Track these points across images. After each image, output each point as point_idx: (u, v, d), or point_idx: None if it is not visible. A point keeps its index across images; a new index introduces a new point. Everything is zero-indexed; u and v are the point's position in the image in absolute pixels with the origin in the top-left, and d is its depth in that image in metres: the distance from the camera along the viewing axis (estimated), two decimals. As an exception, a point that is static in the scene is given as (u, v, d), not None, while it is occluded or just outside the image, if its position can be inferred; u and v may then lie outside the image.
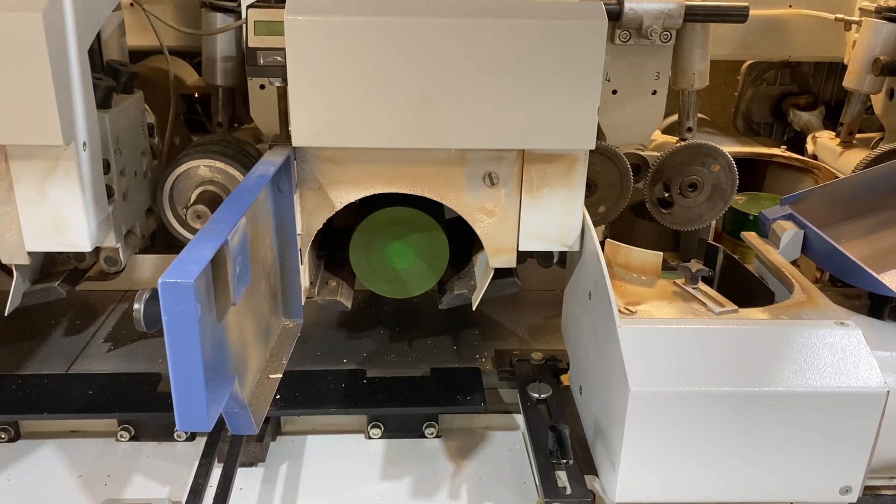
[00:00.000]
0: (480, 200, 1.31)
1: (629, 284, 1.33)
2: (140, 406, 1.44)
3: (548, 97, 1.20)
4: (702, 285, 1.29)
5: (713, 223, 1.72)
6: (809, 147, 1.98)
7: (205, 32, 1.65)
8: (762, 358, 1.11)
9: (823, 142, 1.93)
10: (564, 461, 1.22)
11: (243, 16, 1.60)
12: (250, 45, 1.29)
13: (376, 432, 1.47)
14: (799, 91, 2.19)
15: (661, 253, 1.33)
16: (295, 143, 1.22)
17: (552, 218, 1.32)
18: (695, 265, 1.30)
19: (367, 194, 1.31)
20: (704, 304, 1.23)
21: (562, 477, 1.23)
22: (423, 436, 1.47)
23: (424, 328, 1.74)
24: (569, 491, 1.20)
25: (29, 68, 1.11)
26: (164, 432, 1.45)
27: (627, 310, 1.19)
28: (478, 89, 1.19)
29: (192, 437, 1.45)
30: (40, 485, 1.35)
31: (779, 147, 1.98)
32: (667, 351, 1.10)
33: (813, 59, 2.05)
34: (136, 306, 0.90)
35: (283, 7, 1.17)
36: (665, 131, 1.91)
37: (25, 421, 1.45)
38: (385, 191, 1.31)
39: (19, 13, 1.09)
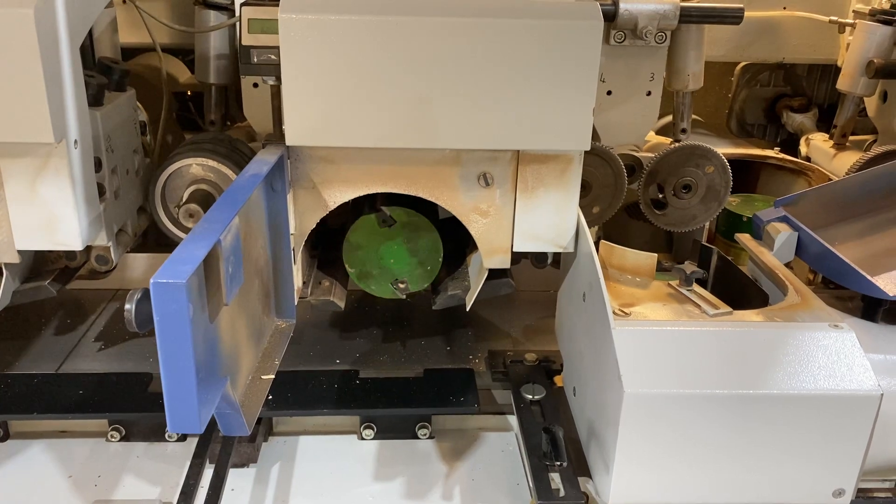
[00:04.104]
0: (475, 201, 1.31)
1: (623, 286, 1.33)
2: (131, 406, 1.43)
3: (543, 97, 1.20)
4: (696, 287, 1.29)
5: (707, 224, 1.72)
6: (803, 149, 1.98)
7: (198, 30, 1.64)
8: (756, 360, 1.10)
9: (817, 144, 1.93)
10: (559, 463, 1.22)
11: (237, 13, 1.60)
12: (244, 42, 1.28)
13: (369, 433, 1.46)
14: (793, 93, 2.19)
15: (656, 255, 1.33)
16: (289, 142, 1.21)
17: (547, 219, 1.31)
18: (689, 267, 1.30)
19: (362, 194, 1.30)
20: (699, 306, 1.23)
21: (555, 479, 1.22)
22: (415, 437, 1.47)
23: (417, 329, 1.73)
24: (562, 493, 1.20)
25: (20, 65, 1.10)
26: (155, 432, 1.44)
27: (622, 311, 1.19)
28: (473, 89, 1.19)
29: (183, 437, 1.44)
30: (30, 485, 1.34)
31: (772, 148, 1.98)
32: (661, 353, 1.10)
33: (807, 62, 2.05)
34: (127, 306, 0.90)
35: (277, 5, 1.16)
36: (659, 132, 1.91)
37: (15, 421, 1.43)
38: (379, 190, 1.30)
39: (10, 9, 1.08)
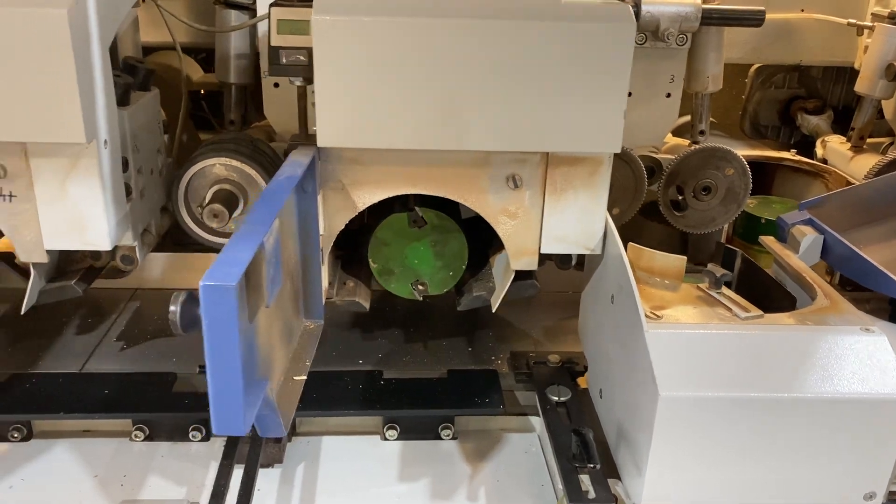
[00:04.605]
0: (503, 202, 1.31)
1: (652, 288, 1.33)
2: (155, 406, 1.43)
3: (574, 100, 1.20)
4: (725, 290, 1.29)
5: (725, 226, 1.72)
6: (819, 151, 1.98)
7: (220, 29, 1.64)
8: (789, 363, 1.11)
9: (833, 146, 1.94)
10: (591, 465, 1.22)
11: (258, 13, 1.60)
12: (273, 43, 1.28)
13: (392, 434, 1.46)
14: (807, 95, 2.20)
15: (685, 257, 1.33)
16: (320, 143, 1.21)
17: (575, 221, 1.32)
18: (718, 269, 1.30)
19: (391, 195, 1.30)
20: (730, 309, 1.23)
21: (584, 480, 1.22)
22: (439, 437, 1.47)
23: (439, 329, 1.73)
24: (592, 494, 1.20)
25: (53, 66, 1.10)
26: (179, 432, 1.43)
27: (654, 314, 1.19)
28: (503, 91, 1.19)
29: (207, 437, 1.43)
30: (56, 485, 1.33)
31: (787, 150, 1.98)
32: (695, 356, 1.10)
33: (824, 64, 2.05)
34: (171, 308, 0.89)
35: (307, 6, 1.16)
36: (674, 133, 1.91)
37: (38, 420, 1.43)
38: (408, 192, 1.30)
39: (45, 9, 1.07)
